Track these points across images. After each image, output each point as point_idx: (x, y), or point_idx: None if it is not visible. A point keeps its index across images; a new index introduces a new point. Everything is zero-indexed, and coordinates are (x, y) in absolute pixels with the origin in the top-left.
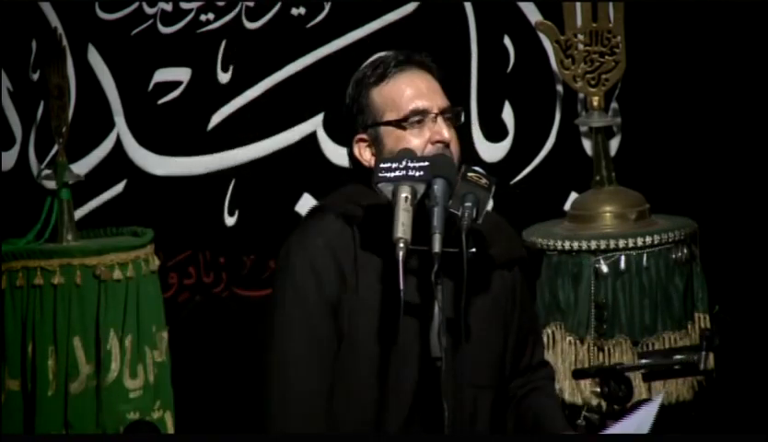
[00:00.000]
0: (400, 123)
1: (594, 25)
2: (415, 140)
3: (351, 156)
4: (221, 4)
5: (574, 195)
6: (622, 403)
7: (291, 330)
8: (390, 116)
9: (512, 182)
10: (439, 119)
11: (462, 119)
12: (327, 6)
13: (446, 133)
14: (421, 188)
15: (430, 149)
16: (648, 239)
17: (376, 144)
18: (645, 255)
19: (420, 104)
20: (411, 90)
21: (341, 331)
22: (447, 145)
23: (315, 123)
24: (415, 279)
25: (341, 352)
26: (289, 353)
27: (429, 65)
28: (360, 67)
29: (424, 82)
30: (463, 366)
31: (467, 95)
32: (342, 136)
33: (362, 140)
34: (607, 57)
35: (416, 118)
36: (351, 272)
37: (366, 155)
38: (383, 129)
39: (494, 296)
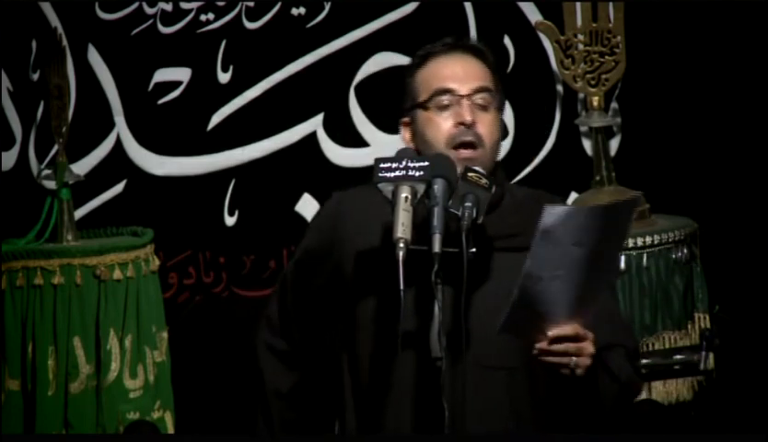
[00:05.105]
0: (424, 105)
1: (594, 25)
2: (443, 123)
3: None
4: (221, 4)
5: (574, 195)
6: None
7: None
8: (421, 98)
9: (512, 182)
10: (464, 101)
11: (501, 104)
12: (327, 6)
13: (467, 115)
14: (421, 188)
15: (454, 132)
16: (648, 239)
17: (413, 126)
18: (645, 255)
19: (445, 85)
20: (445, 72)
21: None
22: (468, 126)
23: (315, 123)
24: (416, 279)
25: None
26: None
27: (478, 49)
28: None
29: (465, 65)
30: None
31: None
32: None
33: (404, 123)
34: (607, 57)
35: (440, 98)
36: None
37: (407, 136)
38: (418, 112)
39: None
